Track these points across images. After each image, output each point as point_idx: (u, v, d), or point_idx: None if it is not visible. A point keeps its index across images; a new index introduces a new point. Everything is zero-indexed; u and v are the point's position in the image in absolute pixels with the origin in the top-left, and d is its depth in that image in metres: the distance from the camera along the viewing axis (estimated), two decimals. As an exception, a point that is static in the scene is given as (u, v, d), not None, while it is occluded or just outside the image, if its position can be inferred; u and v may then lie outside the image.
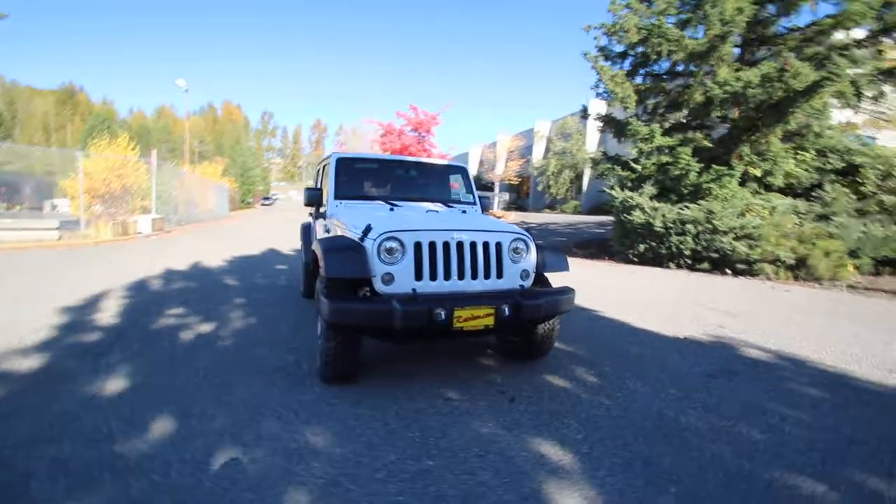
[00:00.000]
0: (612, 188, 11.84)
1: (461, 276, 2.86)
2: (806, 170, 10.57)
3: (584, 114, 13.88)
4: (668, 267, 10.05)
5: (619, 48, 13.30)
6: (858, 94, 9.77)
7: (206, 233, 17.01)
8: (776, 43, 10.84)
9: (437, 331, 2.66)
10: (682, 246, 9.93)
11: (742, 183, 10.74)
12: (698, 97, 11.37)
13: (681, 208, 10.69)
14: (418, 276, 2.78)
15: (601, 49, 13.81)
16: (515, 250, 3.07)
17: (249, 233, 17.63)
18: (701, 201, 10.51)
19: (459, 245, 2.87)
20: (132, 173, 14.54)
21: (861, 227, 8.89)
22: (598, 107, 29.10)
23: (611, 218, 13.20)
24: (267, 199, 57.81)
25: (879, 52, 9.55)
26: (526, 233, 3.12)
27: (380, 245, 2.74)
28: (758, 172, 10.69)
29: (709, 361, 3.78)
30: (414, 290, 2.73)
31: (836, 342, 4.43)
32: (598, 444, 2.39)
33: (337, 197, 3.90)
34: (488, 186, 31.60)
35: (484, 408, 2.80)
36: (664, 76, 12.59)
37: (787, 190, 10.90)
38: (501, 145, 26.59)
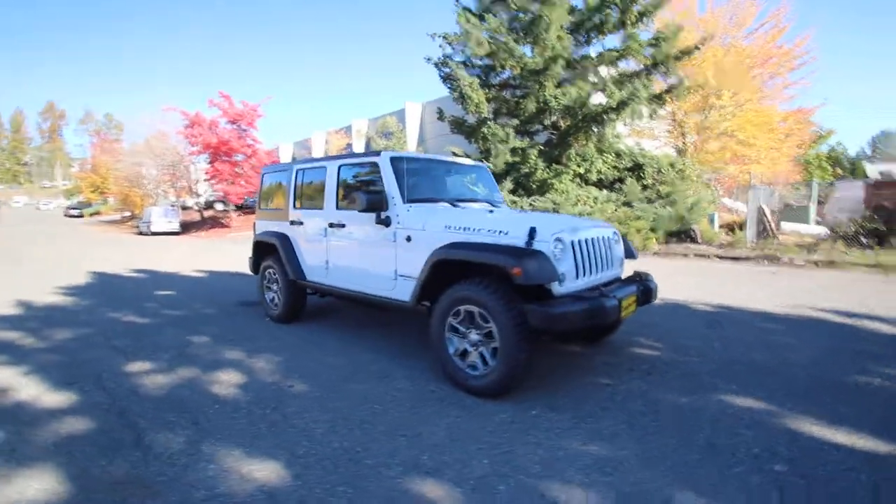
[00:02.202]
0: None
1: (599, 270, 3.15)
2: (609, 168, 13.62)
3: (441, 116, 14.69)
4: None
5: (459, 57, 14.65)
6: (640, 113, 13.07)
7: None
8: (589, 66, 13.55)
9: (613, 323, 2.81)
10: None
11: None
12: (532, 107, 13.40)
13: (532, 201, 12.59)
14: (578, 274, 2.93)
15: (446, 57, 14.93)
16: (616, 241, 3.44)
17: None
18: (546, 195, 12.59)
19: (594, 241, 3.12)
20: None
21: (654, 210, 12.01)
22: (415, 110, 30.94)
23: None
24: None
25: (649, 80, 12.93)
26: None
27: (553, 247, 2.76)
28: (581, 170, 13.27)
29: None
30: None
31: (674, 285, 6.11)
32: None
33: (407, 200, 3.49)
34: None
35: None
36: (505, 86, 14.33)
37: (598, 184, 13.83)
38: (332, 142, 25.59)
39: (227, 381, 3.21)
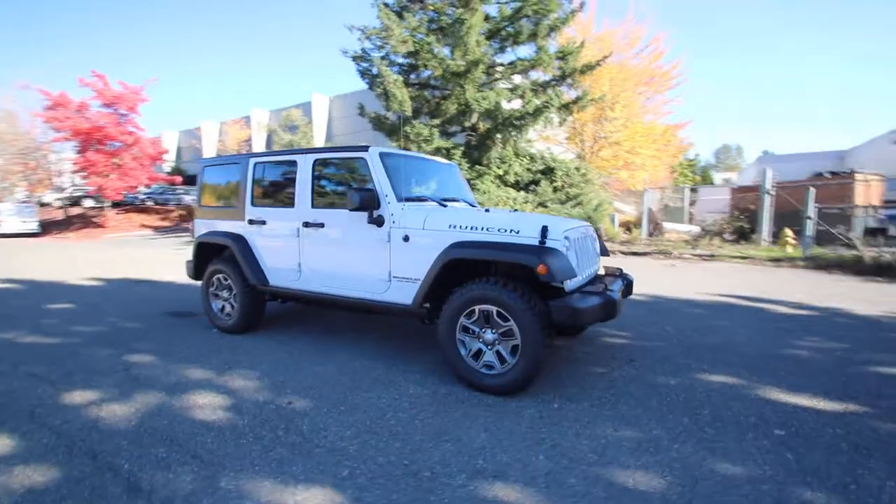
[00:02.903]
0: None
1: (588, 266, 3.30)
2: (524, 170, 14.43)
3: (362, 112, 14.25)
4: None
5: (378, 52, 14.42)
6: (552, 120, 14.06)
7: None
8: (505, 72, 14.17)
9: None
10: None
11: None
12: (453, 108, 13.68)
13: (456, 201, 12.88)
14: (578, 271, 3.02)
15: (365, 51, 14.56)
16: (594, 239, 3.60)
17: None
18: (469, 194, 12.97)
19: (584, 238, 3.28)
20: None
21: (566, 211, 13.01)
22: (322, 103, 29.60)
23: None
24: None
25: (559, 91, 13.97)
26: None
27: (564, 244, 2.82)
28: (500, 172, 13.86)
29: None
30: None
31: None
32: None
33: (400, 199, 3.29)
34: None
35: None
36: (426, 86, 14.38)
37: (515, 185, 14.58)
38: (230, 133, 23.14)
39: (208, 405, 2.80)
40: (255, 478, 2.07)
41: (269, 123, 28.89)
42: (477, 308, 2.91)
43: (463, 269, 3.10)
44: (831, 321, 4.72)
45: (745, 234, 12.24)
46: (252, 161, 4.17)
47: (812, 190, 9.47)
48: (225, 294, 4.33)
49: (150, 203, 23.44)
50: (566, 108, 13.99)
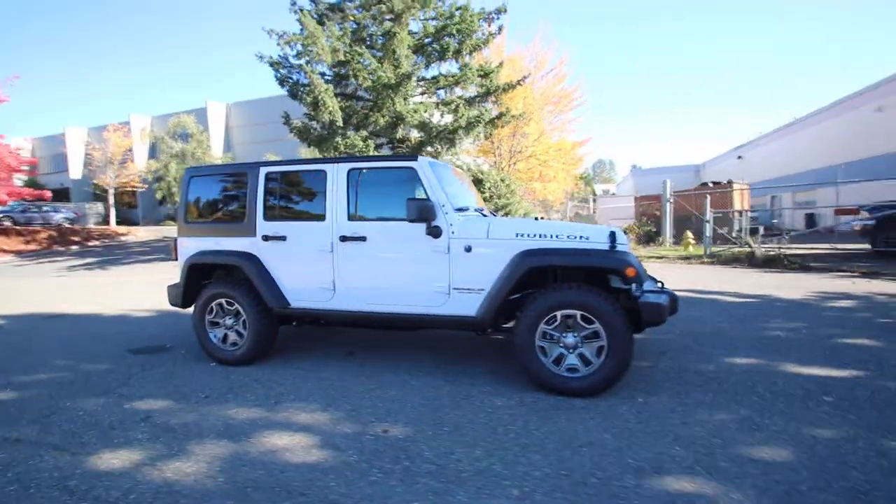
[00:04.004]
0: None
1: None
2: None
3: (287, 121, 13.41)
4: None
5: (299, 60, 13.79)
6: (479, 135, 14.64)
7: None
8: (431, 88, 14.43)
9: None
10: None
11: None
12: (382, 120, 13.58)
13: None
14: None
15: (284, 58, 13.80)
16: None
17: None
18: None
19: None
20: None
21: (500, 221, 13.59)
22: (218, 110, 27.21)
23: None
24: None
25: (485, 107, 14.63)
26: None
27: (629, 248, 2.98)
28: (434, 183, 14.02)
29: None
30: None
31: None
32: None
33: (455, 209, 3.17)
34: (99, 195, 22.42)
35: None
36: (352, 97, 14.04)
37: (446, 197, 14.87)
38: (111, 140, 19.78)
39: (292, 445, 2.46)
40: (424, 514, 1.89)
41: (154, 131, 25.74)
42: (560, 313, 2.98)
43: (533, 278, 3.15)
44: (775, 306, 5.63)
45: (651, 238, 13.95)
46: (263, 171, 3.75)
47: (709, 198, 11.14)
48: (228, 321, 3.81)
49: (7, 223, 19.24)
50: (492, 123, 14.70)
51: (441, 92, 15.06)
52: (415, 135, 14.03)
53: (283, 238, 3.66)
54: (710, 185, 14.40)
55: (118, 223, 23.45)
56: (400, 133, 13.97)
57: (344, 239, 3.49)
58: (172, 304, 4.05)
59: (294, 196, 3.74)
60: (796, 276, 8.08)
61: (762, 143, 26.52)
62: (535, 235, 3.15)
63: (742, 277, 8.03)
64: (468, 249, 3.24)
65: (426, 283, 3.33)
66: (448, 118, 14.61)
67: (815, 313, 5.16)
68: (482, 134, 14.55)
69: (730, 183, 13.96)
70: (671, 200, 12.86)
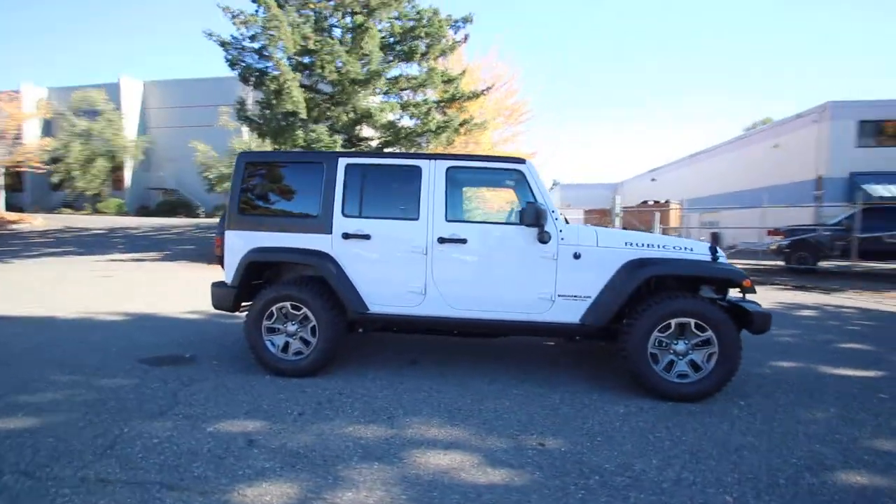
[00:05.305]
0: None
1: None
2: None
3: (242, 108, 12.29)
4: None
5: (253, 44, 12.81)
6: (451, 139, 14.63)
7: None
8: (395, 88, 14.14)
9: None
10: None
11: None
12: (346, 117, 13.07)
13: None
14: None
15: (237, 39, 12.69)
16: None
17: None
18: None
19: None
20: None
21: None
22: (134, 88, 24.20)
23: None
24: None
25: (451, 113, 14.66)
26: None
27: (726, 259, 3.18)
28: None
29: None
30: None
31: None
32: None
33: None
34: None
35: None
36: (314, 90, 13.29)
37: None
38: (8, 110, 16.30)
39: (455, 466, 2.24)
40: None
41: (54, 104, 22.18)
42: (673, 321, 3.07)
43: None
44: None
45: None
46: (343, 162, 3.40)
47: (658, 214, 12.23)
48: (291, 328, 3.38)
49: None
50: (456, 130, 14.78)
51: (404, 93, 14.83)
52: (375, 134, 13.65)
53: (366, 237, 3.34)
54: (652, 203, 15.83)
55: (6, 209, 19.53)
56: (361, 131, 13.51)
57: (442, 241, 3.28)
58: (218, 308, 3.50)
59: (378, 191, 3.44)
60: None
61: (672, 169, 29.73)
62: (643, 245, 3.22)
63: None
64: (577, 256, 3.21)
65: (530, 289, 3.24)
66: (408, 120, 14.42)
67: (795, 322, 5.88)
68: (446, 139, 14.56)
69: (667, 202, 15.47)
70: (620, 215, 13.89)
